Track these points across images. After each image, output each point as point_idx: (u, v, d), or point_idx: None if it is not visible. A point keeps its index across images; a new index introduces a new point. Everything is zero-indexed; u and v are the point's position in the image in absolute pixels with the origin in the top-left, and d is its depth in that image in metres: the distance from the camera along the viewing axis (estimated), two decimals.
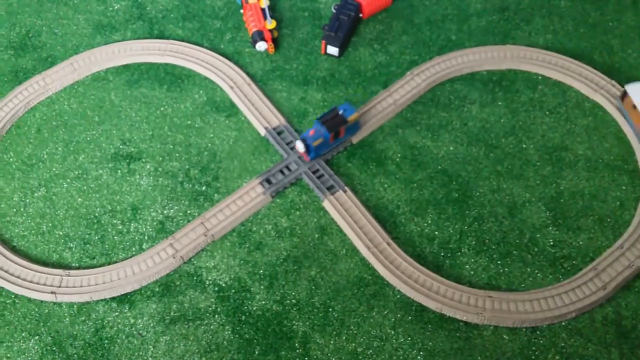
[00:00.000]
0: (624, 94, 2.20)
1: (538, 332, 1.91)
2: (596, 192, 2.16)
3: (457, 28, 2.59)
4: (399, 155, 2.27)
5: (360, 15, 2.60)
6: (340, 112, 2.19)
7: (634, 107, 2.17)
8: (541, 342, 1.89)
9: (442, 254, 2.06)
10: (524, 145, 2.27)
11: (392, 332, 1.92)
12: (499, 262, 2.04)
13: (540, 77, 2.44)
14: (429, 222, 2.12)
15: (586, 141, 2.27)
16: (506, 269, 2.02)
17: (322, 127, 2.16)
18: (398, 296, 1.98)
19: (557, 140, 2.28)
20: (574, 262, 2.03)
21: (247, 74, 2.47)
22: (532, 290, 1.97)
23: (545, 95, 2.40)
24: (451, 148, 2.28)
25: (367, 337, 1.92)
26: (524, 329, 1.92)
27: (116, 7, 2.70)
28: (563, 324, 1.92)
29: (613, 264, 1.99)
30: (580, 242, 2.06)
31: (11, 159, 2.30)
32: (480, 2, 2.68)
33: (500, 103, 2.38)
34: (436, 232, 2.10)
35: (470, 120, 2.34)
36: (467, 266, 2.03)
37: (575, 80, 2.39)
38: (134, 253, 2.09)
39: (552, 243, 2.06)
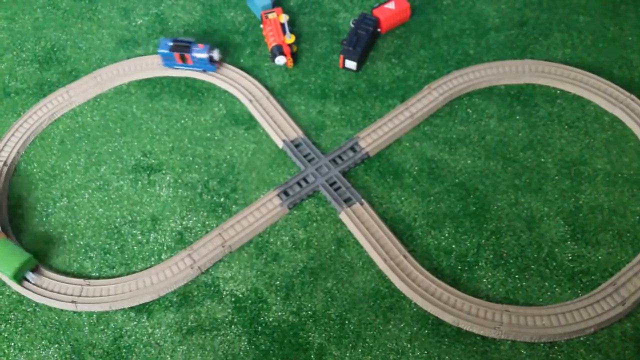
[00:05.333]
0: None
1: (556, 347, 1.89)
2: (615, 207, 2.14)
3: (475, 42, 2.60)
4: (416, 168, 2.27)
5: (379, 30, 2.62)
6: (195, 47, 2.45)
7: None
8: (559, 357, 1.87)
9: (459, 268, 2.05)
10: (543, 159, 2.27)
11: (409, 345, 1.92)
12: (516, 276, 2.03)
13: (558, 92, 2.44)
14: (446, 235, 2.12)
15: (605, 155, 2.26)
16: (524, 283, 2.01)
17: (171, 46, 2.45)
18: (414, 309, 1.98)
19: (575, 155, 2.27)
20: (592, 277, 2.01)
21: (266, 87, 2.51)
22: (550, 305, 1.95)
23: (563, 110, 2.39)
24: (469, 161, 2.28)
25: (383, 350, 1.91)
26: (542, 344, 1.90)
27: (139, 22, 2.76)
28: (581, 339, 1.90)
29: (632, 279, 1.97)
30: (599, 257, 2.04)
31: (35, 170, 2.34)
32: (498, 16, 2.68)
33: (518, 117, 2.38)
34: (453, 246, 2.10)
35: (488, 134, 2.34)
36: (485, 280, 2.02)
37: (594, 94, 2.38)
38: (152, 263, 2.11)
39: (570, 258, 2.05)
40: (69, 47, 2.69)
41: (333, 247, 2.11)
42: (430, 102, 2.41)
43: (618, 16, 2.65)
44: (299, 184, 2.24)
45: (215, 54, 2.43)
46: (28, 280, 2.04)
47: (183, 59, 2.42)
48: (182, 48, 2.40)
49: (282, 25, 2.60)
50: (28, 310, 2.04)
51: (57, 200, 2.26)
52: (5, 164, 2.33)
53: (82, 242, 2.17)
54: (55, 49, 2.69)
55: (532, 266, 2.04)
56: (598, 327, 1.90)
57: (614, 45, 2.56)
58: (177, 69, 2.51)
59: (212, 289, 2.05)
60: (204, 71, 2.49)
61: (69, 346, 1.96)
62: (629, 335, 1.89)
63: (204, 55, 2.41)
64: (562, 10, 2.69)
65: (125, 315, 2.01)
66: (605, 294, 1.95)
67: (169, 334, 1.97)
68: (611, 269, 2.01)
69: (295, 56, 2.60)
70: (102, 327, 1.99)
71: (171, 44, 2.43)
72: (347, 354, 1.91)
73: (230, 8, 2.78)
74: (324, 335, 1.95)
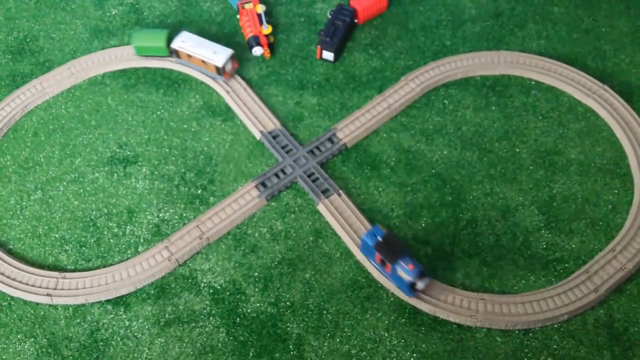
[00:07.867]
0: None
1: (530, 334, 1.92)
2: (588, 196, 2.17)
3: (452, 34, 2.61)
4: (393, 159, 2.29)
5: (356, 20, 2.62)
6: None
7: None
8: (534, 344, 1.91)
9: (436, 257, 2.07)
10: (517, 150, 2.29)
11: (386, 334, 1.93)
12: (492, 265, 2.05)
13: (533, 82, 2.46)
14: (423, 225, 2.14)
15: (579, 145, 2.29)
16: (499, 272, 2.04)
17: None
18: (392, 299, 1.99)
19: (550, 145, 2.30)
20: (566, 265, 2.04)
21: (243, 78, 2.49)
22: (524, 292, 1.98)
23: (538, 100, 2.42)
24: (445, 152, 2.30)
25: (361, 339, 1.93)
26: (516, 331, 1.93)
27: (113, 12, 2.72)
28: (555, 326, 1.93)
29: (605, 267, 2.00)
30: (573, 245, 2.08)
31: (8, 162, 2.31)
32: (474, 8, 2.70)
33: (493, 108, 2.40)
34: (430, 235, 2.11)
35: (464, 125, 2.36)
36: (461, 269, 2.05)
37: (568, 85, 2.41)
38: (129, 256, 2.10)
39: (544, 246, 2.08)
40: (42, 38, 2.65)
41: (311, 238, 2.12)
42: (407, 93, 2.42)
43: (592, 7, 2.68)
44: (276, 175, 2.24)
45: (421, 284, 1.88)
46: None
47: (383, 262, 1.91)
48: (386, 254, 1.88)
49: (259, 15, 2.58)
50: (3, 304, 2.02)
51: (32, 193, 2.24)
52: None
53: (57, 235, 2.15)
54: (28, 40, 2.64)
55: (507, 255, 2.07)
56: (571, 314, 1.94)
57: (587, 37, 2.59)
58: (373, 264, 2.00)
59: (190, 281, 2.04)
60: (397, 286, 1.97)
61: (45, 340, 1.95)
62: (601, 322, 1.93)
63: (408, 278, 1.87)
64: (536, 2, 2.71)
65: (102, 308, 2.00)
66: (578, 282, 1.98)
67: (147, 327, 1.96)
68: (584, 257, 2.05)
69: (272, 47, 2.59)
70: (78, 320, 1.98)
71: (379, 239, 1.90)
72: (325, 344, 1.92)
73: None
74: (302, 325, 1.96)
